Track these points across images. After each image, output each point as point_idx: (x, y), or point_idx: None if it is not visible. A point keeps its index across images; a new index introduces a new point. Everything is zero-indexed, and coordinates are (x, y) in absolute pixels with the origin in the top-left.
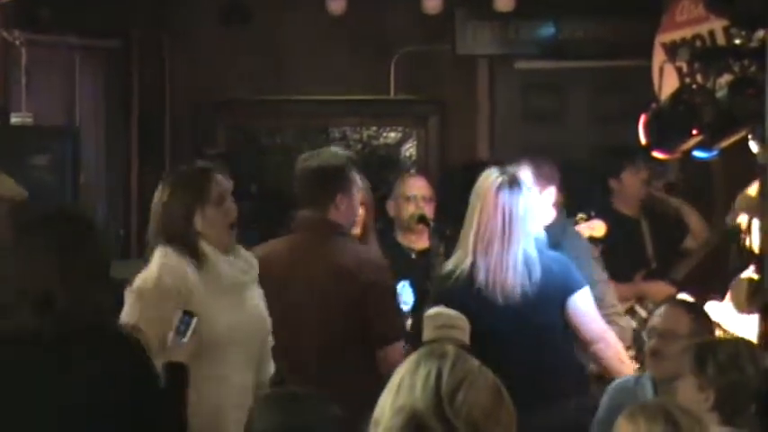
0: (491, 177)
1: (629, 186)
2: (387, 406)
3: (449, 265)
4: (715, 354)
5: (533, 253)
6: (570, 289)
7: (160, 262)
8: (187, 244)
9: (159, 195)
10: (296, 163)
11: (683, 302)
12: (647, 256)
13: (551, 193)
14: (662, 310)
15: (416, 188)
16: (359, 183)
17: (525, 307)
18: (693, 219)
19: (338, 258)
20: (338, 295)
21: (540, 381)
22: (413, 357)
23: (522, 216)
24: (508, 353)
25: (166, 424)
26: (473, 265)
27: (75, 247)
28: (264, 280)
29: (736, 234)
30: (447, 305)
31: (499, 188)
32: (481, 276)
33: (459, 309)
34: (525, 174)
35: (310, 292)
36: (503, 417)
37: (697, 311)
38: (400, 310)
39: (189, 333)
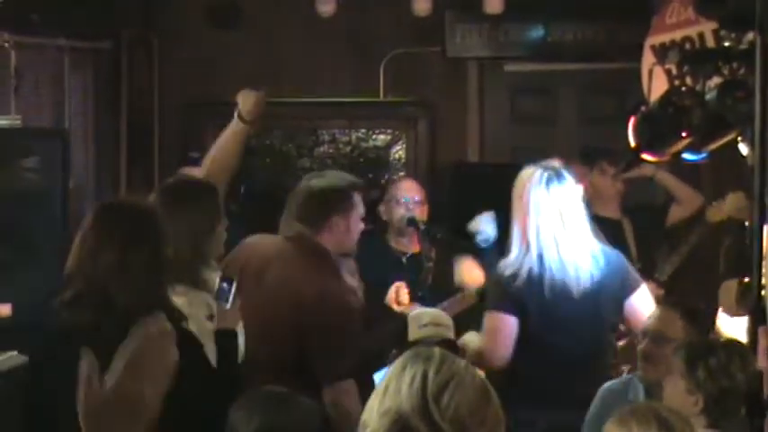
0: (536, 174)
1: (602, 188)
2: (374, 408)
3: (507, 266)
4: (706, 359)
5: (595, 242)
6: (632, 286)
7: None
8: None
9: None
10: (301, 182)
11: (677, 305)
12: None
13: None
14: (655, 312)
15: (406, 190)
16: (360, 209)
17: (595, 294)
18: (672, 183)
19: (302, 285)
20: (287, 318)
21: (598, 363)
22: (399, 360)
23: (577, 206)
24: (581, 341)
25: (218, 405)
26: (541, 260)
27: (135, 244)
28: (245, 268)
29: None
30: (521, 306)
31: (548, 183)
32: (553, 270)
33: (532, 306)
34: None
35: (267, 302)
36: (489, 417)
37: (691, 315)
38: (353, 351)
39: (231, 298)
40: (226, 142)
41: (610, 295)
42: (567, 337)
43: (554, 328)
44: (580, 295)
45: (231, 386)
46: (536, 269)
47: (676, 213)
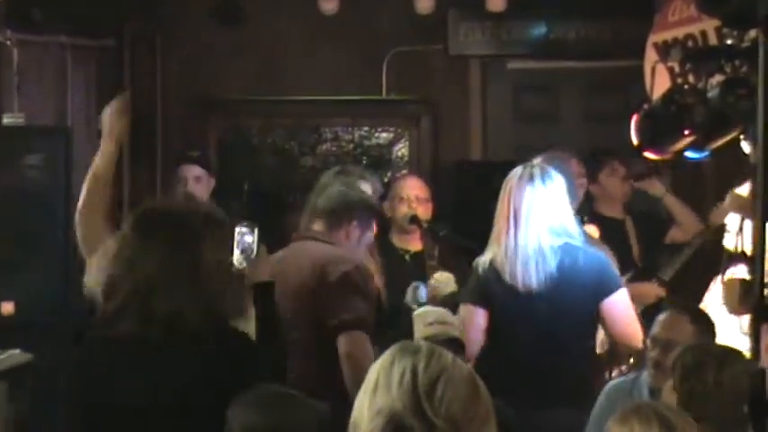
0: (517, 171)
1: (609, 187)
2: (365, 408)
3: (481, 261)
4: (684, 359)
5: (552, 243)
6: (609, 289)
7: None
8: None
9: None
10: (324, 175)
11: (686, 310)
12: (632, 258)
13: (583, 185)
14: (663, 318)
15: (409, 188)
16: (372, 234)
17: (553, 293)
18: (677, 209)
19: (309, 255)
20: (300, 287)
21: (555, 370)
22: (386, 354)
23: (539, 207)
24: (528, 342)
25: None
26: (505, 255)
27: (178, 252)
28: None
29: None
30: (488, 299)
31: (518, 181)
32: (502, 267)
33: (486, 300)
34: (549, 167)
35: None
36: (480, 408)
37: (700, 319)
38: (368, 306)
39: (255, 247)
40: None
41: (577, 295)
42: (521, 334)
43: (510, 324)
44: (530, 293)
45: (277, 340)
46: (499, 265)
47: (676, 235)
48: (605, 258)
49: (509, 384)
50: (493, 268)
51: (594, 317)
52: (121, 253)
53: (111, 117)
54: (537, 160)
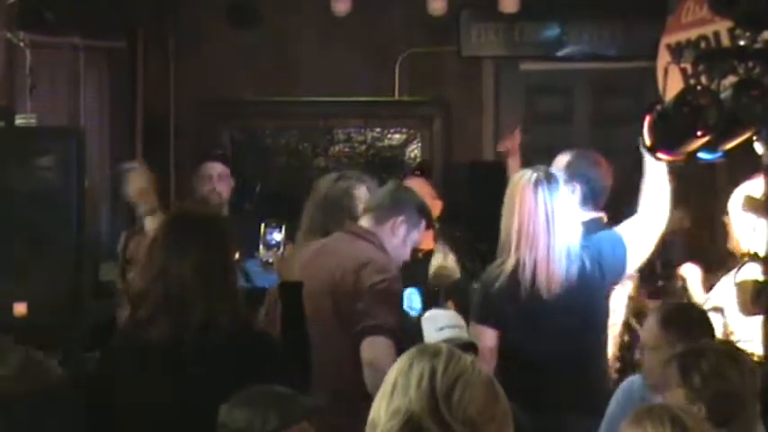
0: (525, 176)
1: None
2: (382, 409)
3: (491, 270)
4: (698, 364)
5: (576, 246)
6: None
7: None
8: None
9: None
10: (322, 180)
11: (655, 311)
12: None
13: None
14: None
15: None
16: (419, 235)
17: (575, 298)
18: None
19: (341, 257)
20: (327, 293)
21: (582, 371)
22: (405, 356)
23: (566, 210)
24: (560, 345)
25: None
26: (518, 263)
27: (211, 257)
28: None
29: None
30: (499, 312)
31: (536, 185)
32: (527, 273)
33: (510, 310)
34: (557, 171)
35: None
36: (498, 412)
37: (667, 320)
38: (395, 311)
39: (282, 243)
40: None
41: (598, 299)
42: (545, 340)
43: (531, 332)
44: (554, 299)
45: (303, 339)
46: (515, 272)
47: None
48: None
49: (531, 391)
50: (509, 279)
51: (607, 307)
52: (153, 260)
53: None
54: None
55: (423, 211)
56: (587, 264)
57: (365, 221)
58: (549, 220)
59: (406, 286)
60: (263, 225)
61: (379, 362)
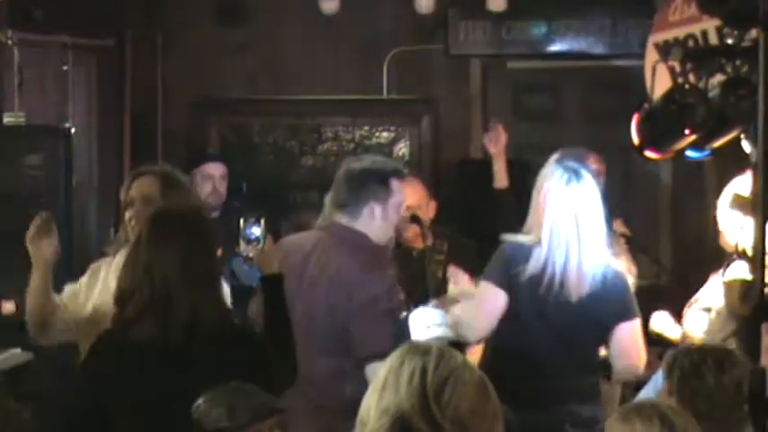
0: (556, 173)
1: None
2: (372, 406)
3: (517, 246)
4: (682, 362)
5: (605, 253)
6: (625, 314)
7: None
8: None
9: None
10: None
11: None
12: None
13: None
14: None
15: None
16: (400, 197)
17: (590, 305)
18: None
19: (337, 274)
20: (327, 310)
21: (582, 374)
22: (396, 354)
23: (594, 210)
24: (566, 346)
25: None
26: (547, 258)
27: (195, 255)
28: (283, 265)
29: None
30: (514, 289)
31: (567, 183)
32: (556, 271)
33: (524, 296)
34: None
35: (309, 296)
36: (488, 412)
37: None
38: (387, 330)
39: (261, 237)
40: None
41: (602, 312)
42: (550, 337)
43: (539, 326)
44: (576, 301)
45: (286, 333)
46: (540, 264)
47: None
48: (628, 283)
49: (525, 378)
50: (532, 265)
51: (607, 336)
52: (138, 258)
53: (31, 244)
54: (553, 157)
55: (383, 178)
56: (610, 279)
57: (343, 220)
58: (579, 221)
59: (413, 280)
60: (241, 220)
61: None
